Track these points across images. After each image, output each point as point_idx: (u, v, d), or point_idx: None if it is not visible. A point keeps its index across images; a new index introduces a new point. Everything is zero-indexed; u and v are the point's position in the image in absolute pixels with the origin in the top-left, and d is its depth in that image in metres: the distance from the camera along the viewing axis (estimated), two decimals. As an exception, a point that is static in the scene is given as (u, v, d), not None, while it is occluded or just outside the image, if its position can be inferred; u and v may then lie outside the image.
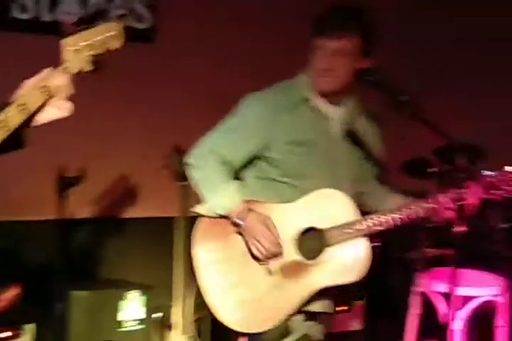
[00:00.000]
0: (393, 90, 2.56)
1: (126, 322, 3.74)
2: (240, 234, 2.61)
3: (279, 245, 2.57)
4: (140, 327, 3.74)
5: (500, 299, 3.68)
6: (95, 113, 4.03)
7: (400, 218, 2.59)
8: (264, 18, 4.45)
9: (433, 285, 3.64)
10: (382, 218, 2.60)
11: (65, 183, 3.58)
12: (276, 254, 2.57)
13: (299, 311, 2.62)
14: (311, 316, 2.68)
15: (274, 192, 2.70)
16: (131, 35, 4.06)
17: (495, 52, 5.23)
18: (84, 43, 1.94)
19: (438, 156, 3.67)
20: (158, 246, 4.20)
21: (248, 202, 2.62)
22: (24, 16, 4.00)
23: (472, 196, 2.60)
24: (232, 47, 4.23)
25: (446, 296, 3.51)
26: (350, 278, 2.59)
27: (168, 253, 3.85)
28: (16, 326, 3.48)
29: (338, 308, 4.04)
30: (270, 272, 2.59)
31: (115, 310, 3.71)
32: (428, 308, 3.80)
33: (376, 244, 4.37)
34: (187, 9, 4.24)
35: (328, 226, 2.60)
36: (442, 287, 3.56)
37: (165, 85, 4.20)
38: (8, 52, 3.79)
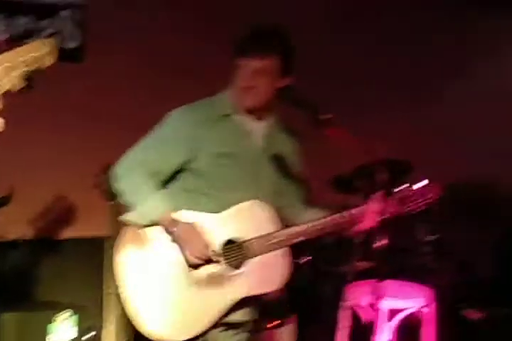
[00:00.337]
0: (313, 108, 2.62)
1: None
2: (167, 242, 2.63)
3: (211, 252, 2.60)
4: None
5: (426, 310, 3.74)
6: (26, 131, 3.96)
7: (317, 229, 2.67)
8: (194, 41, 4.47)
9: (361, 298, 3.68)
10: (301, 229, 2.67)
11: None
12: (208, 261, 2.60)
13: (221, 322, 2.65)
14: (231, 327, 2.72)
15: (198, 204, 2.72)
16: (59, 54, 4.09)
17: (415, 69, 5.36)
18: (16, 60, 1.94)
19: (360, 172, 3.74)
20: (91, 266, 4.16)
21: (173, 212, 2.65)
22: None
23: (375, 210, 2.69)
24: (160, 68, 4.24)
25: (375, 309, 3.57)
26: (269, 288, 2.67)
27: (100, 272, 3.82)
28: None
29: (270, 323, 4.08)
30: (195, 282, 2.61)
31: (44, 332, 3.64)
32: (358, 321, 3.84)
33: (306, 258, 4.43)
34: (116, 29, 4.25)
35: (250, 237, 2.65)
36: (370, 300, 3.57)
37: (95, 104, 4.18)
38: None
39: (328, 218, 2.70)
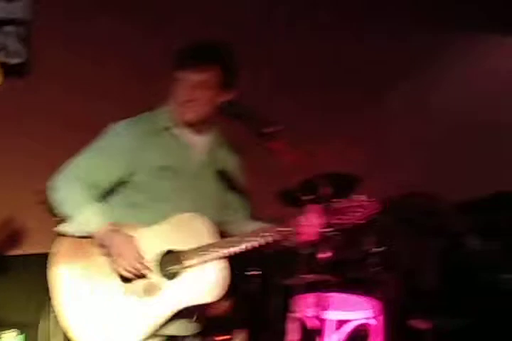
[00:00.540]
0: (256, 122, 2.62)
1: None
2: (104, 254, 2.62)
3: (143, 265, 2.59)
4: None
5: (373, 321, 3.77)
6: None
7: (254, 241, 2.68)
8: (134, 56, 4.49)
9: (309, 310, 3.68)
10: (237, 242, 2.69)
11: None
12: (141, 274, 2.59)
13: (161, 335, 2.66)
14: (169, 340, 2.72)
15: (139, 217, 2.71)
16: (4, 70, 4.07)
17: (357, 85, 5.40)
18: None
19: (304, 186, 3.76)
20: (38, 284, 4.11)
21: (112, 223, 2.64)
22: None
23: (311, 222, 2.69)
24: (105, 83, 4.23)
25: (323, 321, 3.59)
26: (204, 299, 2.65)
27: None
28: None
29: (220, 337, 4.07)
30: (131, 293, 2.60)
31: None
32: (307, 332, 3.85)
33: (256, 272, 4.45)
34: (61, 44, 4.24)
35: (187, 248, 2.65)
36: (316, 311, 3.59)
37: (40, 119, 4.15)
38: None
39: (263, 231, 2.70)
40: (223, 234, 2.82)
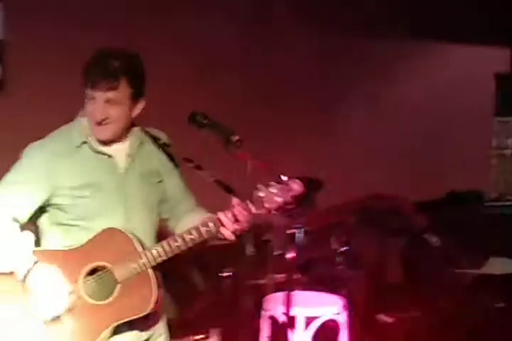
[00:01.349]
0: (223, 131, 2.58)
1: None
2: (25, 291, 2.52)
3: (63, 297, 2.51)
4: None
5: (340, 317, 3.84)
6: None
7: (177, 246, 2.55)
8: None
9: (279, 308, 3.69)
10: (160, 250, 2.56)
11: None
12: (60, 308, 2.51)
13: None
14: None
15: (70, 236, 2.63)
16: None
17: (322, 91, 5.47)
18: None
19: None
20: None
21: (35, 252, 2.54)
22: None
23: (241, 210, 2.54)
24: (77, 98, 4.27)
25: (292, 318, 3.65)
26: (138, 312, 2.56)
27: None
28: None
29: (196, 337, 4.12)
30: (64, 322, 2.54)
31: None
32: (278, 329, 3.91)
33: (228, 273, 4.46)
34: (36, 58, 4.25)
35: (116, 263, 2.55)
36: (287, 309, 3.51)
37: (14, 133, 4.07)
38: None
39: (186, 232, 2.56)
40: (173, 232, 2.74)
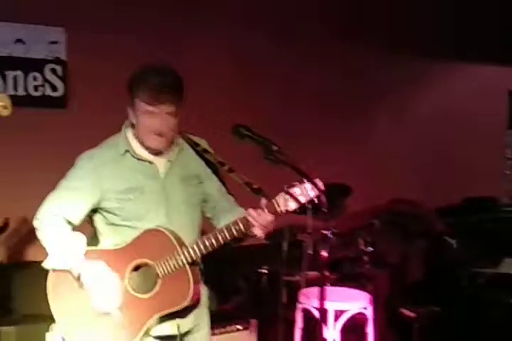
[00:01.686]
0: (264, 142, 2.52)
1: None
2: (80, 286, 2.55)
3: (115, 296, 2.53)
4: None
5: (366, 311, 3.77)
6: (12, 174, 4.00)
7: (211, 243, 2.51)
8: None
9: (313, 302, 3.70)
10: (195, 247, 2.53)
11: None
12: (112, 302, 2.52)
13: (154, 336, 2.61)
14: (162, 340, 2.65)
15: (120, 234, 2.62)
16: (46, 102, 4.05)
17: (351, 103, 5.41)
18: None
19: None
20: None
21: (87, 252, 2.56)
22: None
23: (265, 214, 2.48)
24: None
25: (324, 311, 3.59)
26: (180, 304, 2.54)
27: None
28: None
29: (238, 326, 4.06)
30: (114, 314, 2.54)
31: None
32: (311, 321, 3.85)
33: (265, 270, 4.44)
34: (95, 78, 4.25)
35: (156, 260, 2.55)
36: (319, 303, 3.58)
37: (76, 145, 4.14)
38: None
39: (217, 231, 2.53)
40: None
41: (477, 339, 4.43)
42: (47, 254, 2.61)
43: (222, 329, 3.98)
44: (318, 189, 2.45)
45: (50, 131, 4.14)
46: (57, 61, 4.26)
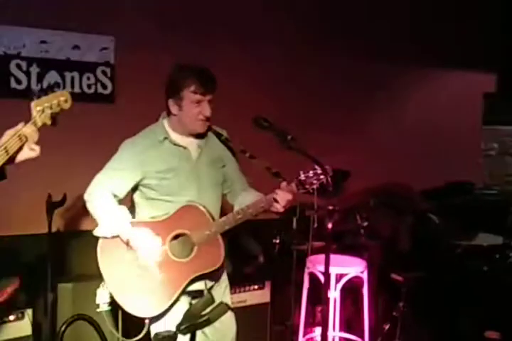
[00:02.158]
0: (280, 132, 2.54)
1: (103, 304, 3.59)
2: (129, 248, 2.56)
3: (159, 252, 2.53)
4: (109, 308, 3.58)
5: (362, 275, 3.74)
6: (69, 157, 3.99)
7: (239, 218, 2.55)
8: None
9: (318, 267, 3.69)
10: (227, 219, 2.56)
11: (52, 205, 3.47)
12: (159, 260, 2.53)
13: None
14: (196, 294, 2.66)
15: (156, 207, 2.63)
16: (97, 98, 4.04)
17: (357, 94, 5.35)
18: (43, 105, 1.98)
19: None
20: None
21: (131, 223, 2.56)
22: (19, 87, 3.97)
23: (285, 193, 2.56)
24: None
25: (327, 274, 3.55)
26: (212, 267, 2.57)
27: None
28: (18, 311, 3.37)
29: (255, 286, 4.07)
30: (158, 272, 2.54)
31: (94, 295, 3.58)
32: (316, 282, 3.84)
33: (278, 240, 4.41)
34: (137, 79, 4.24)
35: (193, 230, 2.56)
36: (323, 267, 3.56)
37: (121, 133, 4.12)
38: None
39: (245, 208, 2.57)
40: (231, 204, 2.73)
41: (455, 300, 4.39)
42: (97, 224, 2.60)
43: (242, 289, 4.02)
44: (327, 173, 2.46)
45: (100, 122, 4.14)
46: (106, 64, 4.27)
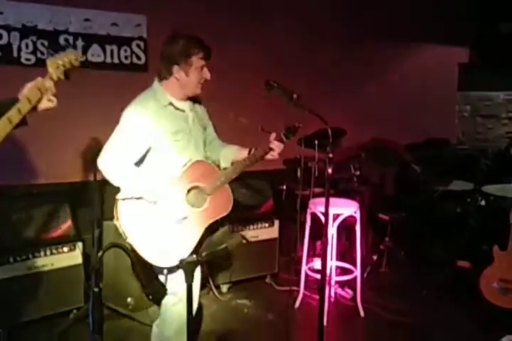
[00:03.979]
0: (287, 91, 2.33)
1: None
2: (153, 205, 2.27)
3: (178, 205, 2.30)
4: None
5: (356, 215, 3.54)
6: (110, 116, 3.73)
7: (243, 166, 2.40)
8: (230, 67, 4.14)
9: (318, 208, 3.47)
10: (233, 170, 2.40)
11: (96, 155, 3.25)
12: (179, 212, 2.30)
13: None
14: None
15: (166, 163, 2.33)
16: (132, 67, 3.76)
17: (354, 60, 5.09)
18: (57, 63, 1.89)
19: (316, 134, 3.53)
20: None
21: (149, 184, 2.27)
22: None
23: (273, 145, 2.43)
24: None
25: (326, 214, 3.38)
26: (224, 212, 2.40)
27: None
28: (70, 244, 3.26)
29: (266, 224, 3.90)
30: (177, 222, 2.31)
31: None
32: (317, 221, 3.66)
33: (284, 187, 4.26)
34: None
35: (205, 183, 2.37)
36: (323, 209, 3.37)
37: None
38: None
39: (247, 158, 2.41)
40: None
41: (432, 236, 4.26)
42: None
43: (255, 226, 3.87)
44: (327, 123, 2.26)
45: (135, 88, 3.71)
46: (140, 38, 4.03)
